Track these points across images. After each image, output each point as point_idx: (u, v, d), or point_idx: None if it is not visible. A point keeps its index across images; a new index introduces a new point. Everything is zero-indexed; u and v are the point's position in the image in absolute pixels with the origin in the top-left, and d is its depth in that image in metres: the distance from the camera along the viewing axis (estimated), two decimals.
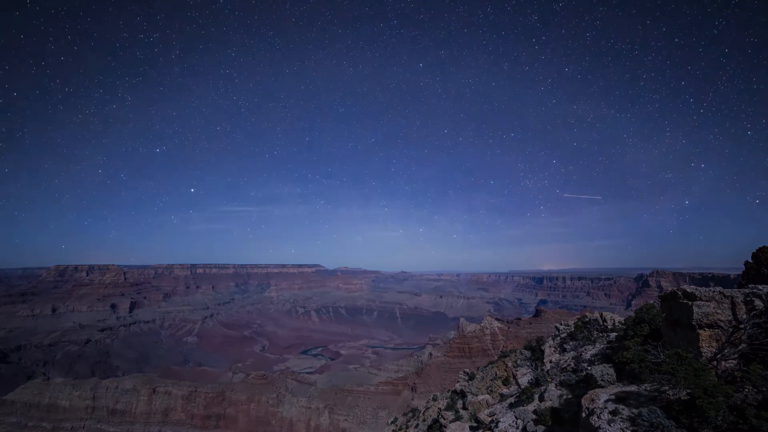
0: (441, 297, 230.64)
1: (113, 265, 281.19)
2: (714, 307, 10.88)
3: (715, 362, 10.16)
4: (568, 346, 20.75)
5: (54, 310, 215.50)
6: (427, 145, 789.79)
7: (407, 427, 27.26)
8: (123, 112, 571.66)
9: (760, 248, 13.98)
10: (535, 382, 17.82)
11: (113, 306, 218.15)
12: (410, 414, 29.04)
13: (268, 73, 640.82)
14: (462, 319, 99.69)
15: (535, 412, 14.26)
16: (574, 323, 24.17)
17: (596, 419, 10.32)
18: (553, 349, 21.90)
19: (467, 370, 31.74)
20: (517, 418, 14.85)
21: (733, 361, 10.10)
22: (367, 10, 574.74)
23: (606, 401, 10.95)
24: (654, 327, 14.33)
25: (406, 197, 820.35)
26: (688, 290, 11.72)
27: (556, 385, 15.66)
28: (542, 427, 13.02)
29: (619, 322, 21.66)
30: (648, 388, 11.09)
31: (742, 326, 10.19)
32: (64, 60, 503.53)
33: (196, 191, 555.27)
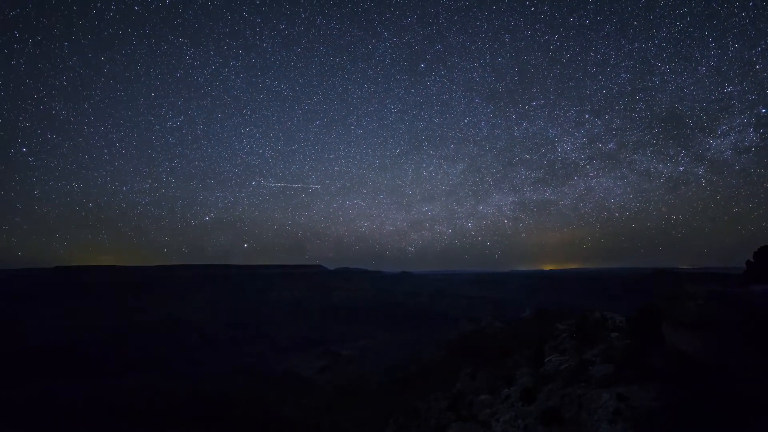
0: (442, 297, 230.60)
1: (114, 265, 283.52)
2: (714, 307, 10.86)
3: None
4: (569, 346, 20.71)
5: (55, 311, 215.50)
6: (452, 139, 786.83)
7: (408, 428, 27.23)
8: (171, 194, 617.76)
9: (761, 247, 13.98)
10: (536, 382, 17.79)
11: (114, 306, 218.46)
12: (411, 414, 29.02)
13: (284, 119, 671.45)
14: (463, 319, 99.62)
15: (536, 411, 14.24)
16: (575, 323, 24.12)
17: (597, 419, 10.30)
18: (553, 348, 21.86)
19: (468, 371, 31.71)
20: (518, 418, 14.83)
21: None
22: (356, 31, 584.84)
23: (607, 401, 10.93)
24: (656, 327, 14.30)
25: (445, 196, 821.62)
26: (690, 290, 11.70)
27: (557, 384, 15.64)
28: (543, 427, 12.99)
29: (621, 321, 21.61)
30: (650, 388, 11.06)
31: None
32: (119, 165, 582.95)
33: (249, 245, 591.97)
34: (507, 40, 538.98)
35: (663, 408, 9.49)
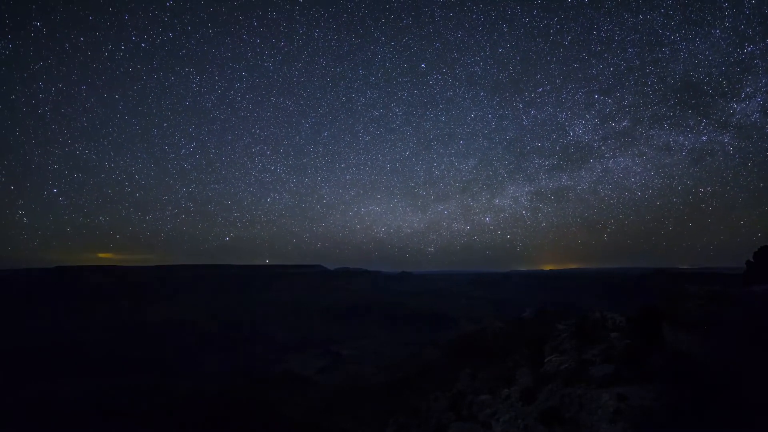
0: (442, 297, 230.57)
1: (114, 266, 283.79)
2: (714, 307, 10.85)
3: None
4: (569, 346, 20.70)
5: (56, 311, 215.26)
6: (461, 136, 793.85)
7: (408, 428, 27.21)
8: (191, 218, 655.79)
9: (761, 247, 13.98)
10: (536, 382, 17.79)
11: (114, 307, 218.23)
12: (411, 414, 29.00)
13: (292, 134, 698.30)
14: (463, 319, 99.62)
15: (536, 411, 14.23)
16: (575, 323, 24.10)
17: (597, 419, 10.31)
18: (553, 348, 21.86)
19: (468, 371, 31.71)
20: (518, 418, 14.83)
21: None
22: (354, 39, 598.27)
23: (607, 401, 10.93)
24: (656, 327, 14.30)
25: (460, 194, 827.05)
26: (690, 290, 11.70)
27: (557, 385, 15.63)
28: (543, 427, 12.99)
29: (621, 321, 21.61)
30: (650, 388, 11.06)
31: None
32: (140, 196, 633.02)
33: (271, 261, 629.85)
34: (505, 29, 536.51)
35: (663, 408, 9.49)
